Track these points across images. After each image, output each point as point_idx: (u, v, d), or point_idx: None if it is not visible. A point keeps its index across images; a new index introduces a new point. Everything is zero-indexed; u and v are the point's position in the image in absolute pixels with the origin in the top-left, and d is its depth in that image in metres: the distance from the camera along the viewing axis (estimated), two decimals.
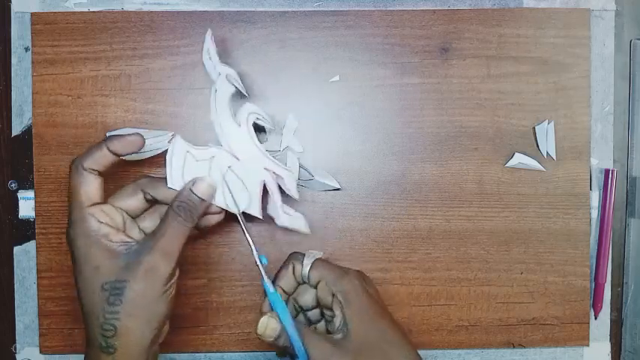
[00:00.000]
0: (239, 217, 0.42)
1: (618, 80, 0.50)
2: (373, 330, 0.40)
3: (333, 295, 0.41)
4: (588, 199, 0.49)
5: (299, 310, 0.44)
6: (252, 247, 0.41)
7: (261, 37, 0.48)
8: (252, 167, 0.43)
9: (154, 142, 0.47)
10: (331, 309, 0.41)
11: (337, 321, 0.40)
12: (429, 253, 0.49)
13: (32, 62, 0.48)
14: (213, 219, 0.42)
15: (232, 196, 0.42)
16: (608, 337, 0.50)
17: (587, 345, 0.50)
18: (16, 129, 0.49)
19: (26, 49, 0.48)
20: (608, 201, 0.49)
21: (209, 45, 0.43)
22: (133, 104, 0.48)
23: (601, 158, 0.50)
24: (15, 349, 0.49)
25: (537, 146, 0.49)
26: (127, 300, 0.37)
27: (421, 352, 0.48)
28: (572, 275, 0.49)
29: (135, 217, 0.42)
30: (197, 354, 0.49)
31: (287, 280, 0.43)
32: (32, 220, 0.49)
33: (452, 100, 0.49)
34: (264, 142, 0.48)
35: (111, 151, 0.39)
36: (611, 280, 0.50)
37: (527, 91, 0.49)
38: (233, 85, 0.43)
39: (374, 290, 0.43)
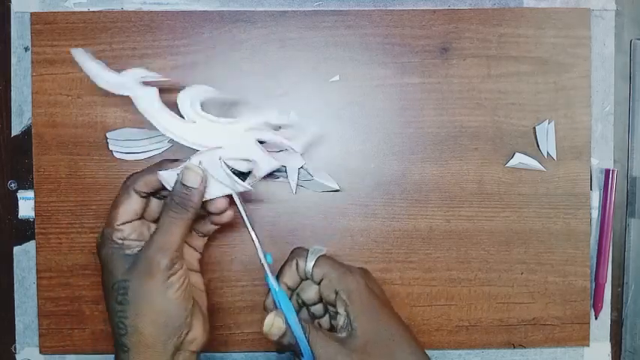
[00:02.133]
0: (238, 202, 0.41)
1: (618, 80, 0.50)
2: (379, 328, 0.40)
3: (337, 292, 0.41)
4: (588, 199, 0.49)
5: (302, 305, 0.44)
6: (258, 245, 0.41)
7: (261, 37, 0.48)
8: (237, 141, 0.41)
9: (153, 143, 0.48)
10: (334, 305, 0.41)
11: (341, 320, 0.40)
12: (429, 253, 0.49)
13: (32, 62, 0.48)
14: (224, 217, 0.42)
15: (235, 175, 0.40)
16: (609, 337, 0.50)
17: (588, 345, 0.50)
18: (16, 129, 0.49)
19: (26, 49, 0.48)
20: (608, 201, 0.49)
21: (94, 66, 0.39)
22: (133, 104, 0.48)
23: (601, 158, 0.50)
24: (15, 349, 0.49)
25: (538, 146, 0.49)
26: (132, 299, 0.38)
27: None
28: (572, 275, 0.49)
29: (154, 220, 0.43)
30: None
31: (290, 276, 0.43)
32: (32, 220, 0.49)
33: (452, 100, 0.49)
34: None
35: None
36: (612, 280, 0.50)
37: (528, 91, 0.49)
38: (149, 84, 0.40)
39: (378, 288, 0.43)
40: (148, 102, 0.39)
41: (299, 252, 0.43)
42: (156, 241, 0.39)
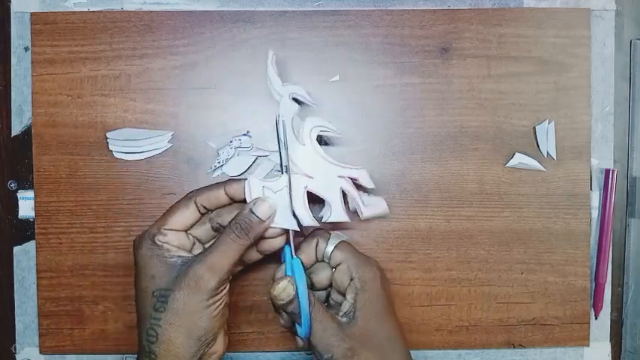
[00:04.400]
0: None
1: (618, 80, 0.50)
2: (378, 323, 0.41)
3: (352, 279, 0.41)
4: (589, 199, 0.49)
5: (309, 287, 0.44)
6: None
7: (261, 37, 0.48)
8: (327, 180, 0.43)
9: (152, 143, 0.48)
10: (343, 294, 0.42)
11: (346, 305, 0.41)
12: (429, 253, 0.49)
13: (32, 62, 0.48)
14: (275, 243, 0.42)
15: (312, 212, 0.42)
16: (609, 337, 0.50)
17: (588, 345, 0.50)
18: (16, 129, 0.49)
19: (26, 49, 0.48)
20: (608, 201, 0.49)
21: (270, 70, 0.44)
22: (132, 104, 0.48)
23: (601, 158, 0.50)
24: (15, 349, 0.49)
25: (538, 146, 0.49)
26: (169, 308, 0.38)
27: (421, 353, 0.49)
28: (572, 275, 0.49)
29: (204, 242, 0.43)
30: None
31: (307, 254, 0.43)
32: (32, 220, 0.49)
33: (452, 100, 0.49)
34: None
35: (227, 194, 0.41)
36: (612, 280, 0.50)
37: (528, 91, 0.49)
38: (297, 102, 0.43)
39: (388, 285, 0.44)
40: (289, 113, 0.43)
41: (321, 233, 0.44)
42: (209, 261, 0.39)
